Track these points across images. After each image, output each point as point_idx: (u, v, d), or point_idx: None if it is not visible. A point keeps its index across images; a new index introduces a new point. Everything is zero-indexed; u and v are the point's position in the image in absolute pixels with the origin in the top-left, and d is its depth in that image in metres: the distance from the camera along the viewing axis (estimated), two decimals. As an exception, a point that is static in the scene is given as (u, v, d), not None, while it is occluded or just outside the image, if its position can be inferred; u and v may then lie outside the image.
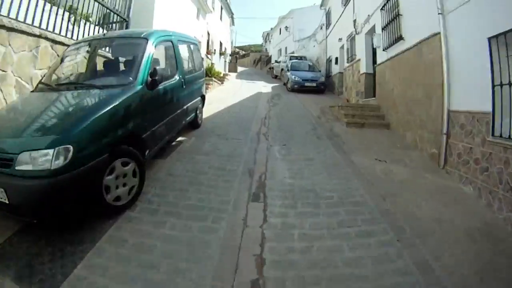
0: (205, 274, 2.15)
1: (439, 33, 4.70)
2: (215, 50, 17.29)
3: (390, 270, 2.24)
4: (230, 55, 27.96)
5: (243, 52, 59.79)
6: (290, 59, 17.68)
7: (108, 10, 6.28)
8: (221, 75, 16.59)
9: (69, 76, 3.81)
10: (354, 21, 10.98)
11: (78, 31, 5.34)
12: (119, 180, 2.82)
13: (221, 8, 18.82)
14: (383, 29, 7.81)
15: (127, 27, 6.97)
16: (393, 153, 5.32)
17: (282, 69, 18.60)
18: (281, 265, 2.28)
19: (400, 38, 6.61)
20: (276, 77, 20.19)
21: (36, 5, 4.23)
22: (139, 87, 3.27)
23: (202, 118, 6.60)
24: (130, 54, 3.89)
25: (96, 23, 5.94)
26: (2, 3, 3.70)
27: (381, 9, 7.86)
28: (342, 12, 12.93)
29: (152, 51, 3.75)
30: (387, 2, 7.48)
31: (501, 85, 3.39)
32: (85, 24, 5.52)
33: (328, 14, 16.56)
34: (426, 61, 5.34)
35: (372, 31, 9.17)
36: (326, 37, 16.79)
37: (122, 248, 2.40)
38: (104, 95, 3.01)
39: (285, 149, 5.29)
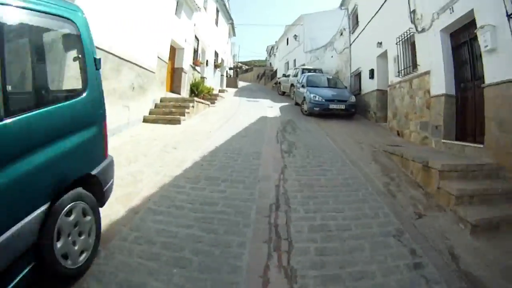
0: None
1: None
2: (207, 61, 13.66)
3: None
4: (230, 69, 24.36)
5: (246, 67, 56.87)
6: (303, 72, 13.90)
7: None
8: (213, 92, 12.80)
9: None
10: (413, 12, 7.06)
11: None
12: None
13: (217, 11, 15.32)
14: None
15: None
16: None
17: (292, 85, 14.76)
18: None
19: None
20: (283, 93, 16.40)
21: None
22: None
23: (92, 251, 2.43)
24: None
25: None
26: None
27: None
28: (382, 5, 9.15)
29: None
30: None
31: None
32: None
33: (352, 15, 12.86)
34: None
35: (459, 23, 5.28)
36: (350, 44, 12.99)
37: None
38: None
39: None
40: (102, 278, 2.00)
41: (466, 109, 5.48)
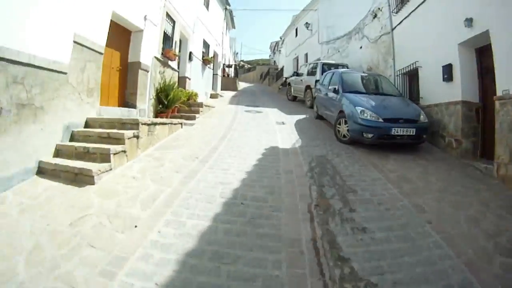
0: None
1: None
2: (190, 54, 9.83)
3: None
4: (228, 67, 20.50)
5: (248, 66, 52.93)
6: (324, 69, 10.04)
7: None
8: (197, 99, 8.96)
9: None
10: None
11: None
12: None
13: (207, -12, 11.54)
14: None
15: None
16: None
17: (308, 87, 10.86)
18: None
19: None
20: (295, 98, 12.63)
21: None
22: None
23: None
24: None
25: None
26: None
27: None
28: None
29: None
30: None
31: None
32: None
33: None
34: None
35: None
36: (393, 28, 9.07)
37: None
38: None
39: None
40: None
41: None
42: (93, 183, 3.31)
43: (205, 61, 11.37)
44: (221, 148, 5.14)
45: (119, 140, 4.04)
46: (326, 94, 7.02)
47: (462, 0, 5.51)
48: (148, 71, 6.70)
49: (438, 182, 3.97)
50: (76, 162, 3.64)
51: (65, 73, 4.18)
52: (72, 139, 4.31)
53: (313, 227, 2.73)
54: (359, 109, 5.25)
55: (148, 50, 6.67)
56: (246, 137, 5.93)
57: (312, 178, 3.85)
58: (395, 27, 8.89)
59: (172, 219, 2.76)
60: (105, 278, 1.95)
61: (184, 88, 9.33)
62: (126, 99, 6.27)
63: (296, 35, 18.50)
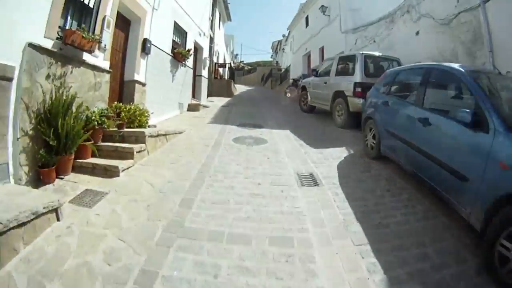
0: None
1: None
2: (145, 41, 5.83)
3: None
4: (221, 66, 16.58)
5: (249, 67, 49.21)
6: (367, 65, 6.17)
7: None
8: (147, 122, 4.92)
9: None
10: None
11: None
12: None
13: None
14: None
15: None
16: None
17: (340, 95, 6.80)
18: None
19: None
20: (312, 110, 8.63)
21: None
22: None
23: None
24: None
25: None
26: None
27: None
28: None
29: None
30: None
31: None
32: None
33: None
34: None
35: None
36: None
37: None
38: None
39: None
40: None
41: None
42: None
43: (178, 56, 7.43)
44: None
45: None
46: (425, 122, 2.96)
47: None
48: (9, 78, 2.80)
49: None
50: None
51: None
52: None
53: None
54: None
55: (9, 31, 2.77)
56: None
57: None
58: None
59: None
60: None
61: (133, 100, 5.43)
62: None
63: (307, 25, 14.59)
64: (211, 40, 14.08)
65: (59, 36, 3.54)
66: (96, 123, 3.69)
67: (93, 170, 3.46)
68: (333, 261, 2.06)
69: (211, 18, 11.60)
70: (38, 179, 3.10)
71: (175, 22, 7.40)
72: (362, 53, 6.42)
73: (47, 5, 3.28)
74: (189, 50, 7.92)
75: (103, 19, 4.35)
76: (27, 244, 2.08)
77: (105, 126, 3.94)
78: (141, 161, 3.90)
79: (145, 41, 5.81)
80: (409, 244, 2.27)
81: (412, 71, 3.85)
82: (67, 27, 3.71)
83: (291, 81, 15.53)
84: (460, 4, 6.09)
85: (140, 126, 4.56)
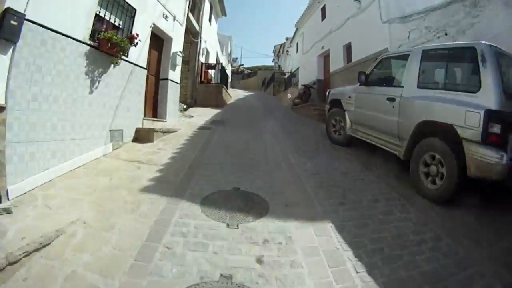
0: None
1: None
2: (8, 17, 2.54)
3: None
4: (209, 68, 12.95)
5: (248, 71, 45.87)
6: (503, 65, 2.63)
7: None
8: None
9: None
10: None
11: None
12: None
13: None
14: None
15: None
16: None
17: (430, 130, 2.84)
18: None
19: None
20: (349, 142, 4.96)
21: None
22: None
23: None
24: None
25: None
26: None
27: None
28: None
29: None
30: None
31: None
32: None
33: None
34: None
35: None
36: None
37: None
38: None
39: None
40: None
41: None
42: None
43: (104, 45, 3.85)
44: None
45: None
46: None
47: None
48: None
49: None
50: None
51: None
52: None
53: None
54: None
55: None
56: None
57: None
58: None
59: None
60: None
61: None
62: None
63: (323, 17, 11.10)
64: (196, 34, 10.61)
65: None
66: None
67: None
68: None
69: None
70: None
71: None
72: (491, 46, 2.89)
73: None
74: (132, 38, 4.37)
75: None
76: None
77: None
78: None
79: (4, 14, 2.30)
80: None
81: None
82: None
83: (300, 87, 12.06)
84: None
85: None
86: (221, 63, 10.77)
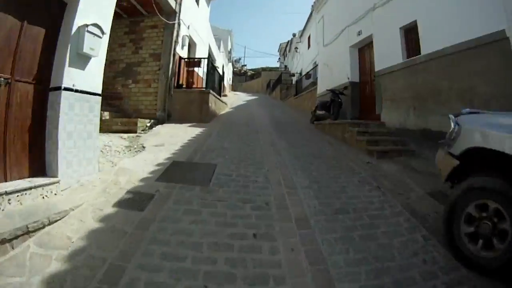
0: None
1: None
2: None
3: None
4: (191, 64, 9.19)
5: (251, 72, 42.48)
6: None
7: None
8: None
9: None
10: None
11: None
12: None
13: None
14: None
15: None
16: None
17: None
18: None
19: None
20: None
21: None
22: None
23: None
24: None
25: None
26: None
27: None
28: None
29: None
30: None
31: None
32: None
33: None
34: None
35: None
36: None
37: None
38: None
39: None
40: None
41: None
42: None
43: None
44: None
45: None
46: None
47: None
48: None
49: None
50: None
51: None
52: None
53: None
54: None
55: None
56: None
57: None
58: None
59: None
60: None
61: None
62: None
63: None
64: (171, 14, 7.18)
65: None
66: None
67: None
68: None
69: None
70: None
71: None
72: None
73: None
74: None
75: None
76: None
77: None
78: None
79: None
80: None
81: None
82: None
83: (322, 92, 8.53)
84: None
85: None
86: (209, 58, 7.24)
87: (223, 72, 19.73)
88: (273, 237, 2.21)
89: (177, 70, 7.41)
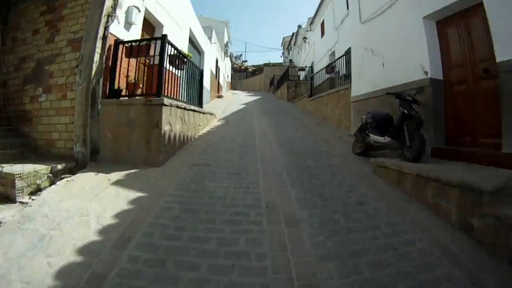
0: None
1: None
2: None
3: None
4: (132, 47, 5.77)
5: (252, 68, 39.10)
6: None
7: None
8: None
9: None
10: None
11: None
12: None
13: None
14: None
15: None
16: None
17: None
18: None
19: None
20: None
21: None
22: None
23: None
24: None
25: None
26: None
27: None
28: None
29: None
30: None
31: None
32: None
33: None
34: None
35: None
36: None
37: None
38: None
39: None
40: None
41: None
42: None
43: None
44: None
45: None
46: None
47: None
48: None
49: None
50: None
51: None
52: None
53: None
54: None
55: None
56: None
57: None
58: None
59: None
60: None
61: None
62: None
63: None
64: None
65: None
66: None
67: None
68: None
69: None
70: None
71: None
72: None
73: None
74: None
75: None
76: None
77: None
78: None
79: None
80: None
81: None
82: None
83: (379, 99, 5.15)
84: None
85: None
86: (165, 38, 3.85)
87: (218, 68, 16.38)
88: None
89: (111, 64, 4.08)
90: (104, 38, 3.99)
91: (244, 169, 3.77)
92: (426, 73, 4.04)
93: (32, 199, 2.74)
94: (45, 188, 3.06)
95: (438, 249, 1.98)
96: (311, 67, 16.12)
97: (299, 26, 27.25)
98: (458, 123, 3.77)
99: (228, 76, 25.97)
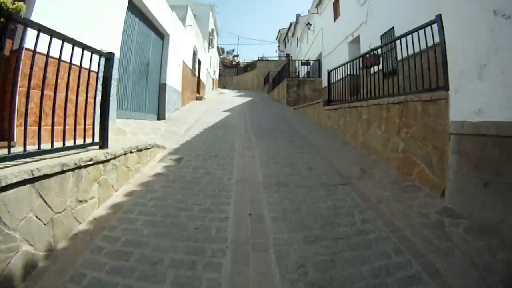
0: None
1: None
2: None
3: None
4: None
5: (244, 63, 35.31)
6: None
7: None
8: None
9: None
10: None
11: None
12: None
13: None
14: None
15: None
16: None
17: None
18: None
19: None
20: None
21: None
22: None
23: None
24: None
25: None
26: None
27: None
28: None
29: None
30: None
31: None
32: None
33: None
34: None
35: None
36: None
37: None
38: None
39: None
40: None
41: None
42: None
43: None
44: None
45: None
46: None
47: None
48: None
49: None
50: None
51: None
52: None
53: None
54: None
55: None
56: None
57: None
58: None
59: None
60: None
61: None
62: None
63: None
64: None
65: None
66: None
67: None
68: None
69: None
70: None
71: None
72: None
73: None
74: None
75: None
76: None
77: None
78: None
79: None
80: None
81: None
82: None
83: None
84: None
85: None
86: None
87: (198, 62, 12.58)
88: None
89: None
90: None
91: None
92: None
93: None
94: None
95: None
96: (319, 61, 12.45)
97: (298, 15, 23.62)
98: None
99: (215, 72, 22.10)
